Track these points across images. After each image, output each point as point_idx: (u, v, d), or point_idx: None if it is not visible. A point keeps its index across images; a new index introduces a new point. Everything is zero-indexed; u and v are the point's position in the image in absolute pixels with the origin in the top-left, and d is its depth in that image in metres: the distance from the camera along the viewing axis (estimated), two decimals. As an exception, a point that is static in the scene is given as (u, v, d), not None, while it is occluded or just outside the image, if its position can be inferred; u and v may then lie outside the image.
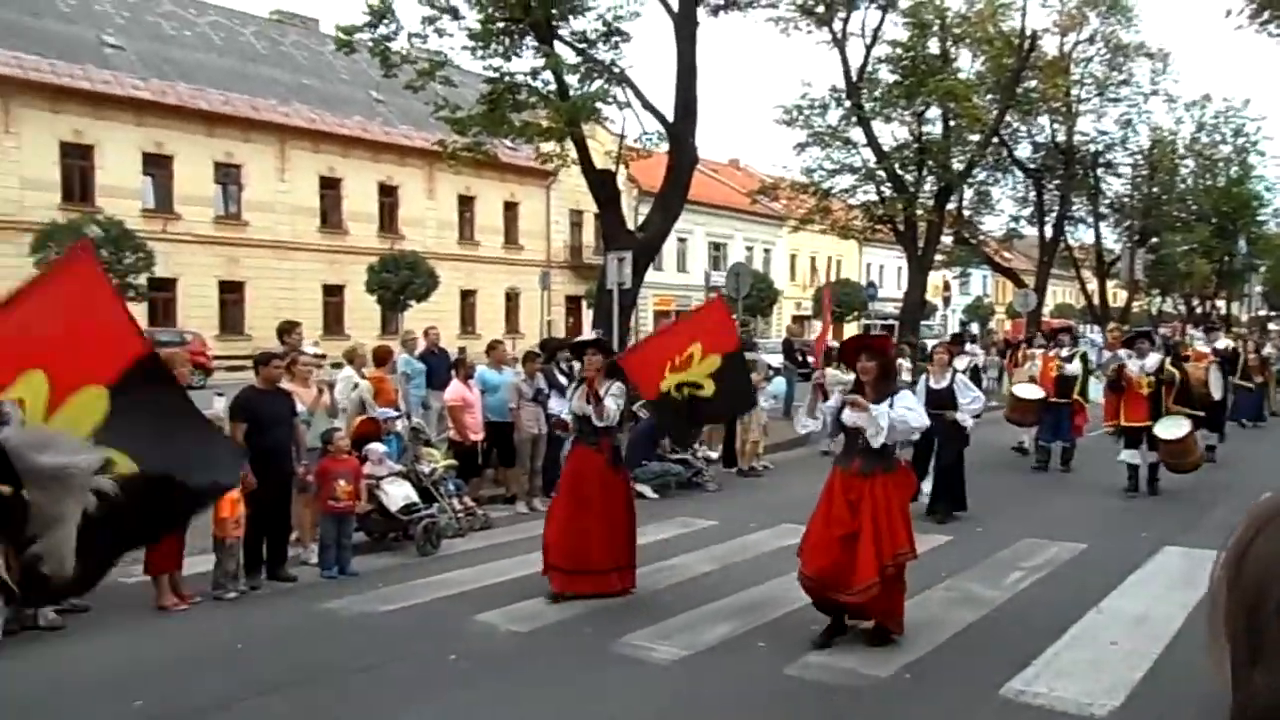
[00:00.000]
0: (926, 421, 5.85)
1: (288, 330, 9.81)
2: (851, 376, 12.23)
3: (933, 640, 5.89)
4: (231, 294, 32.51)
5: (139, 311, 27.57)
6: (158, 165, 30.77)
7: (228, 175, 32.57)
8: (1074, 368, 12.91)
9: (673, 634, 6.10)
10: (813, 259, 53.52)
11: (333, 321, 33.74)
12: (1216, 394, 12.75)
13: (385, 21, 16.23)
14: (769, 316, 43.10)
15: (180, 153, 31.06)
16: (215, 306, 32.01)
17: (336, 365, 10.95)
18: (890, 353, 6.34)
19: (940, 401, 9.37)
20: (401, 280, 29.18)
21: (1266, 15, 18.55)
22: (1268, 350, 19.51)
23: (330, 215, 35.28)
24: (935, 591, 6.98)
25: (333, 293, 34.60)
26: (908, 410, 5.81)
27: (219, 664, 5.62)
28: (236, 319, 32.29)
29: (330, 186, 35.22)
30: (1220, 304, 51.35)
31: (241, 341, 28.87)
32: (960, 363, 12.26)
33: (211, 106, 31.91)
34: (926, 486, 9.59)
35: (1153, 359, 10.99)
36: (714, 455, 12.72)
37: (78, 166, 29.07)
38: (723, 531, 9.19)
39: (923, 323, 28.79)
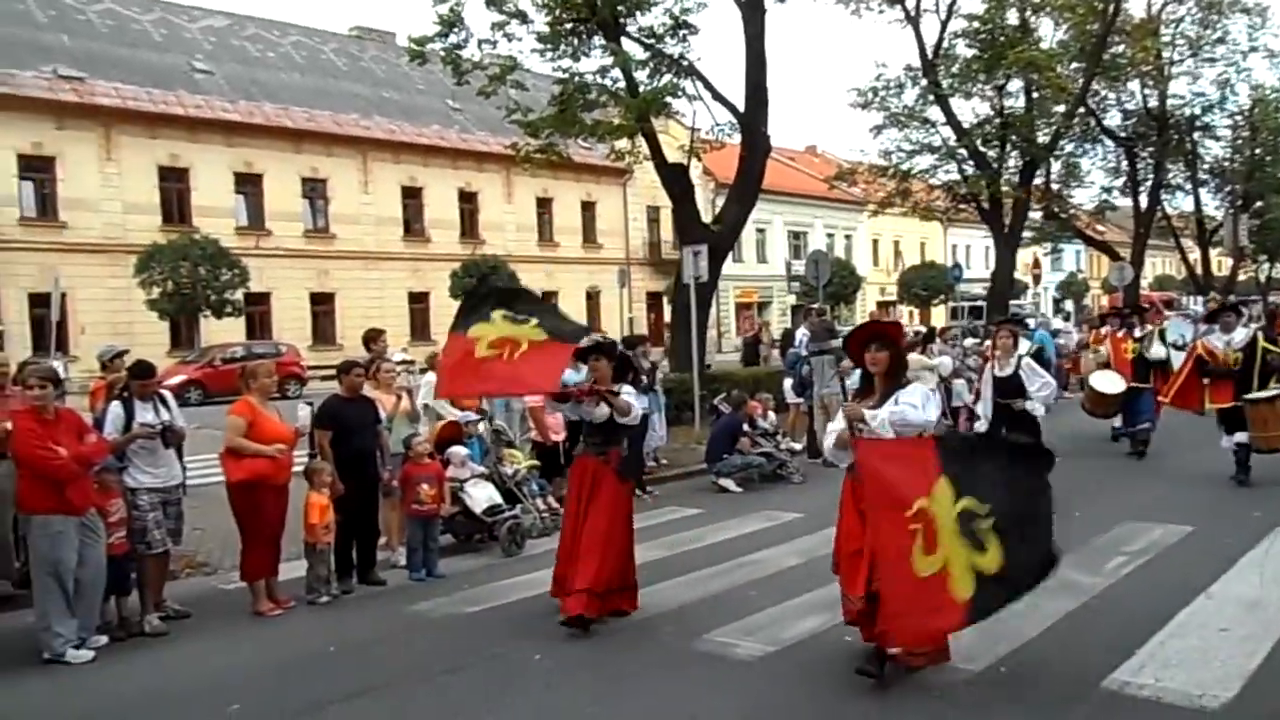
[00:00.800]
0: (931, 417, 5.10)
1: (373, 338, 10.00)
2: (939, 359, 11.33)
3: (1030, 631, 5.67)
4: (322, 305, 33.47)
5: (237, 326, 28.63)
6: (248, 184, 31.88)
7: (314, 190, 33.54)
8: (1158, 351, 12.05)
9: (756, 630, 6.01)
10: (895, 243, 52.52)
11: (419, 328, 34.45)
12: None
13: (455, 30, 16.50)
14: (852, 304, 42.43)
15: (269, 170, 32.11)
16: (307, 318, 33.00)
17: (424, 370, 11.14)
18: (903, 342, 5.70)
19: (1007, 390, 8.86)
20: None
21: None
22: None
23: (413, 224, 36.04)
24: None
25: (418, 300, 35.33)
26: (910, 407, 5.11)
27: (312, 667, 5.75)
28: (327, 329, 33.24)
29: (412, 196, 35.97)
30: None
31: (333, 351, 29.69)
32: (1023, 347, 11.54)
33: (296, 124, 32.89)
34: None
35: (1240, 333, 10.13)
36: (798, 446, 12.56)
37: (174, 189, 30.32)
38: (808, 524, 9.02)
39: (1013, 302, 27.97)
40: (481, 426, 9.75)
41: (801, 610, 6.39)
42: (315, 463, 7.34)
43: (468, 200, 37.62)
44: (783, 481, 11.51)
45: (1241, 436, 9.85)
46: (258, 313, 31.12)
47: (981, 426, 8.96)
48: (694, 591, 6.98)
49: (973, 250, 52.82)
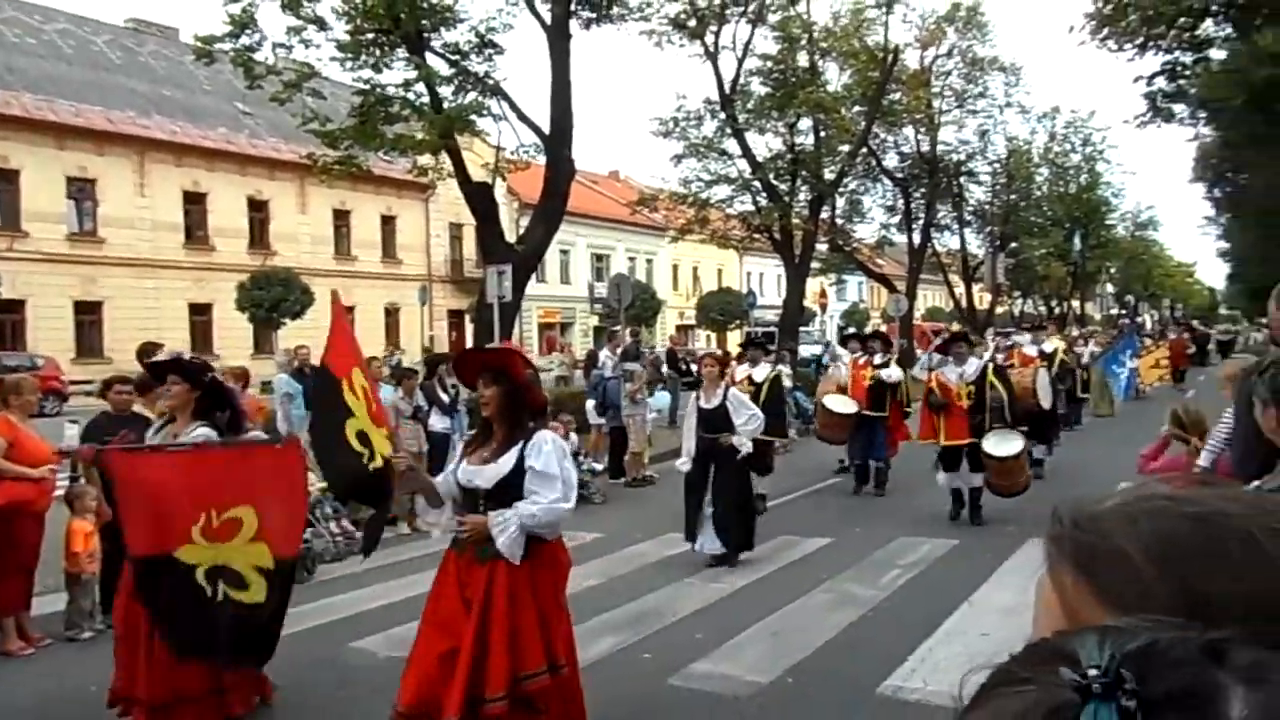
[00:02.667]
0: (568, 505, 4.04)
1: (148, 352, 9.32)
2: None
3: (813, 642, 5.99)
4: (88, 314, 30.81)
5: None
6: (2, 180, 28.97)
7: (81, 190, 30.90)
8: (893, 372, 11.52)
9: (557, 650, 6.02)
10: (694, 269, 54.24)
11: (201, 341, 32.33)
12: (1046, 402, 11.33)
13: (248, 31, 15.70)
14: (653, 326, 43.39)
15: (27, 166, 29.31)
16: (70, 328, 30.27)
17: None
18: (522, 373, 4.15)
19: (713, 423, 8.14)
20: (274, 297, 28.24)
21: (1105, 32, 19.73)
22: (1090, 349, 19.23)
23: (195, 231, 33.87)
24: (815, 595, 7.11)
25: (200, 311, 33.19)
26: (539, 500, 3.94)
27: (72, 711, 5.26)
28: (94, 340, 30.62)
29: (195, 201, 33.82)
30: (1075, 304, 54.35)
31: (101, 364, 27.36)
32: (760, 373, 10.57)
33: (61, 118, 30.22)
34: None
35: (972, 365, 9.71)
36: (599, 467, 12.70)
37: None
38: (608, 544, 9.15)
39: (801, 329, 29.46)
40: (270, 447, 9.26)
41: (601, 629, 6.45)
42: (79, 486, 6.75)
43: (257, 209, 35.76)
44: (583, 501, 11.55)
45: (973, 479, 9.49)
46: (10, 321, 28.28)
47: (684, 465, 8.37)
48: (493, 614, 6.91)
49: (765, 278, 55.32)
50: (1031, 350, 13.68)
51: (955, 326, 24.38)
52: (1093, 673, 0.52)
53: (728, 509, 8.07)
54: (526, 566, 3.98)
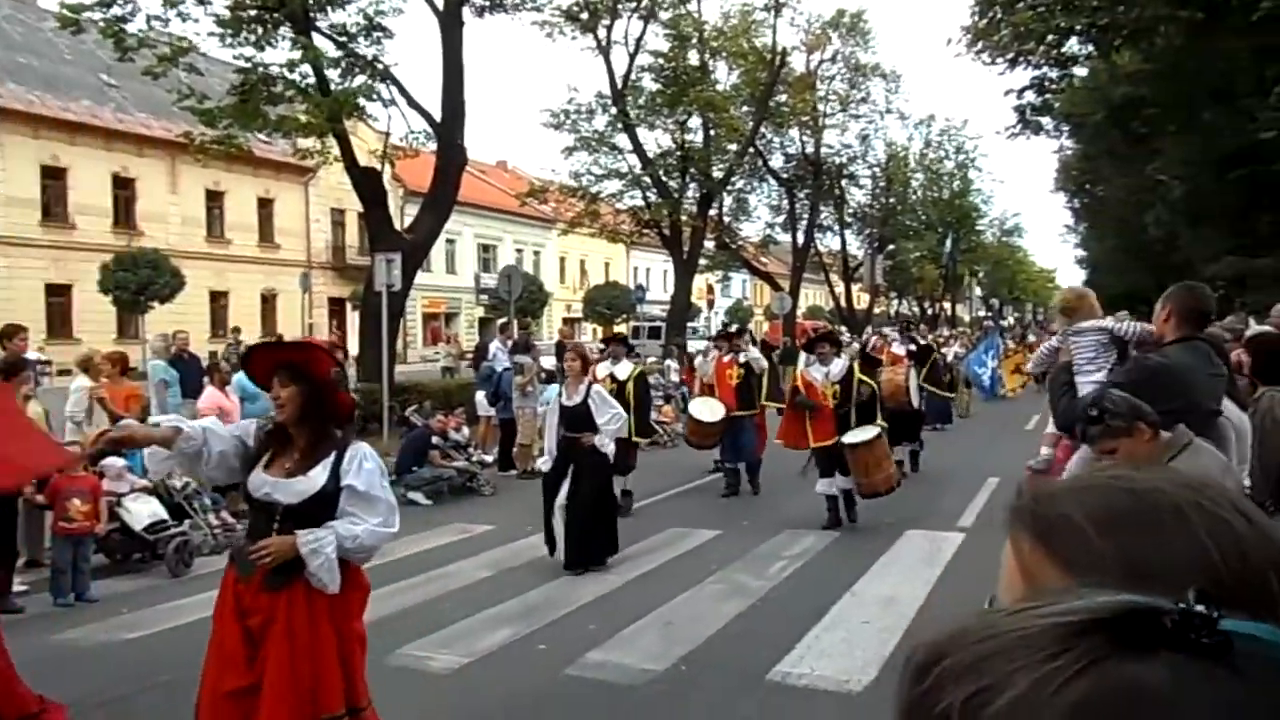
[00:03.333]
0: (392, 528, 3.56)
1: (9, 334, 8.81)
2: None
3: (705, 632, 6.12)
4: (-68, 295, 28.74)
5: None
6: None
7: (-75, 161, 28.77)
8: (753, 354, 11.48)
9: (451, 642, 6.00)
10: (582, 261, 54.24)
11: (58, 324, 30.58)
12: (916, 401, 11.68)
13: (119, 1, 14.93)
14: (540, 318, 43.22)
15: None
16: (-89, 309, 28.18)
17: (65, 373, 9.95)
18: (326, 372, 3.66)
19: (575, 421, 7.84)
20: (141, 280, 26.87)
21: (980, 45, 20.62)
22: (955, 349, 19.77)
23: (54, 208, 31.92)
24: (706, 585, 7.27)
25: (57, 293, 31.33)
26: (352, 530, 3.48)
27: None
28: (-60, 323, 28.57)
29: (54, 176, 31.87)
30: (947, 305, 56.74)
31: (-53, 348, 25.57)
32: (623, 370, 10.20)
33: (-97, 82, 28.08)
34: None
35: (838, 364, 9.38)
36: (489, 459, 12.62)
37: None
38: (499, 536, 9.12)
39: (688, 324, 29.85)
40: (144, 437, 8.88)
41: (495, 621, 6.45)
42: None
43: (123, 186, 33.94)
44: (473, 494, 11.50)
45: (844, 482, 9.10)
46: None
47: (544, 464, 8.15)
48: (386, 606, 6.76)
49: (652, 273, 55.76)
50: (900, 349, 13.78)
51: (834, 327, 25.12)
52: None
53: (586, 513, 7.63)
54: (325, 594, 3.50)
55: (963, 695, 0.54)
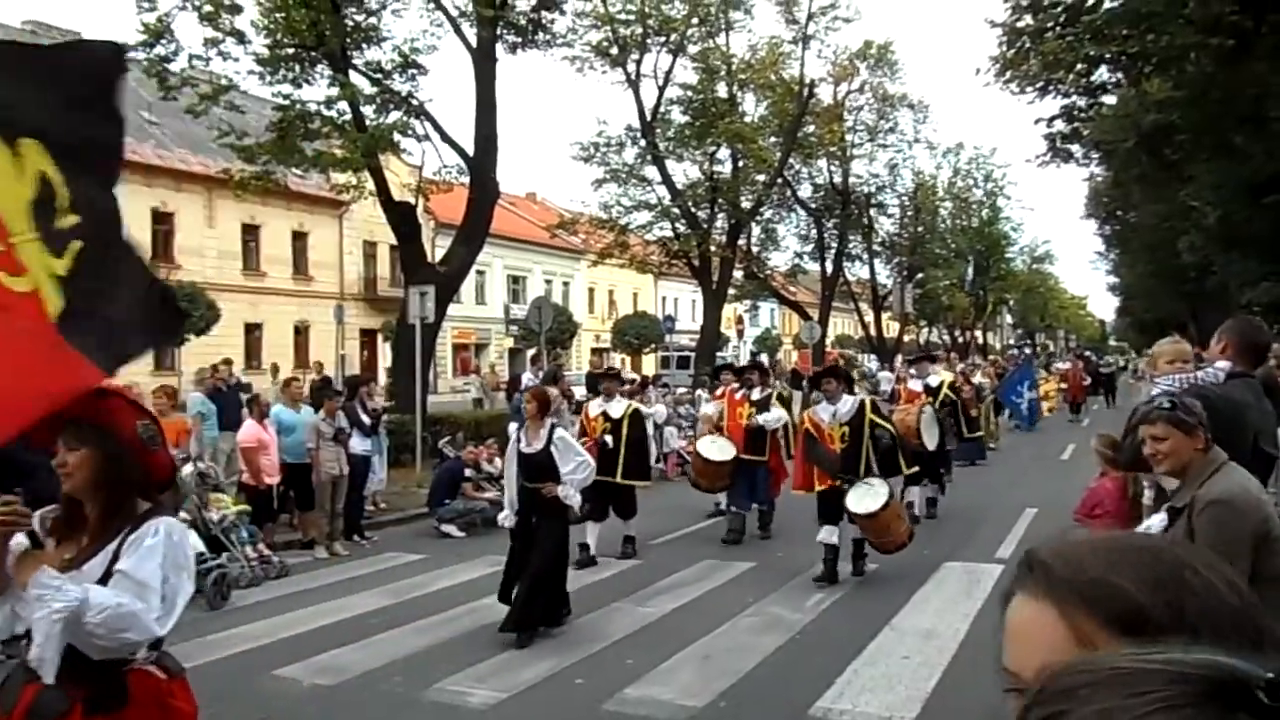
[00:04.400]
0: (147, 623, 2.47)
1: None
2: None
3: (744, 666, 6.08)
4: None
5: None
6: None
7: (-27, 198, 29.46)
8: (773, 416, 10.25)
9: (488, 677, 5.99)
10: (610, 292, 54.46)
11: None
12: (931, 444, 10.50)
13: (163, 41, 15.30)
14: (569, 349, 43.39)
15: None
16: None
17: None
18: (130, 428, 2.71)
19: (533, 470, 6.96)
20: (179, 313, 27.31)
21: (1008, 75, 20.63)
22: (978, 380, 18.42)
23: (96, 243, 32.59)
24: (742, 618, 7.22)
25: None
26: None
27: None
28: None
29: (95, 212, 32.57)
30: (979, 334, 56.34)
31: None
32: (616, 408, 9.66)
33: (-47, 122, 28.83)
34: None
35: (847, 403, 8.45)
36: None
37: None
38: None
39: (717, 354, 29.86)
40: (185, 468, 8.99)
41: (533, 654, 6.45)
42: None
43: (161, 221, 34.57)
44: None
45: (833, 533, 8.26)
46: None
47: (506, 520, 7.21)
48: (422, 639, 6.83)
49: (680, 303, 55.88)
50: (917, 385, 12.28)
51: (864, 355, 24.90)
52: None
53: (535, 576, 6.72)
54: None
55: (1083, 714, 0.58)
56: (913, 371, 13.33)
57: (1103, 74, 21.33)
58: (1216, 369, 4.05)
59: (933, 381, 12.26)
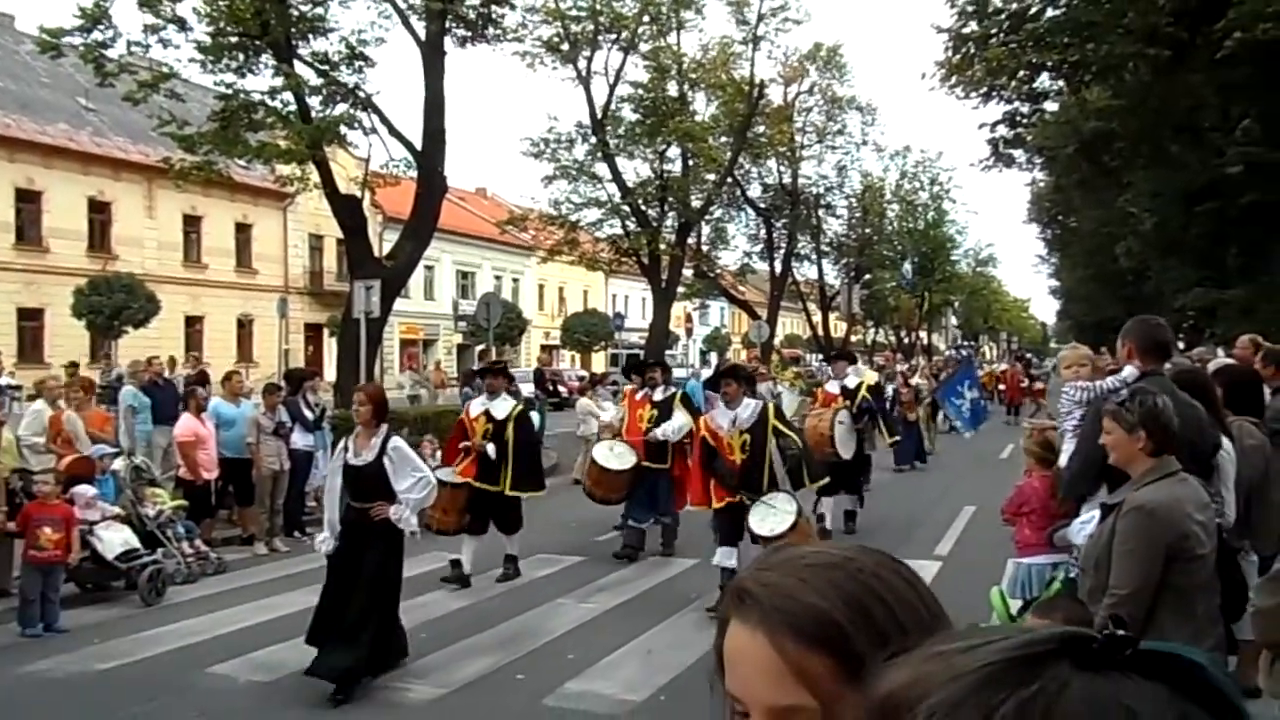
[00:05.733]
0: None
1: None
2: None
3: (686, 660, 6.11)
4: (-99, 318, 28.39)
5: None
6: None
7: (-103, 183, 28.49)
8: (673, 427, 9.00)
9: (428, 673, 5.96)
10: (560, 289, 54.32)
11: (29, 348, 30.25)
12: (845, 453, 9.66)
13: (101, 27, 14.91)
14: (518, 346, 43.19)
15: None
16: (-121, 333, 27.81)
17: (32, 397, 9.86)
18: None
19: (365, 486, 5.87)
20: (115, 304, 26.65)
21: (954, 80, 20.98)
22: (916, 381, 18.37)
23: (28, 231, 31.67)
24: (685, 614, 7.26)
25: (29, 316, 31.01)
26: None
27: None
28: (-92, 346, 28.20)
29: (28, 199, 31.63)
30: (923, 335, 57.21)
31: (-84, 372, 25.20)
32: (501, 408, 8.55)
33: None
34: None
35: (748, 409, 7.40)
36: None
37: None
38: (477, 565, 9.07)
39: (666, 352, 29.93)
40: (119, 463, 8.81)
41: (473, 650, 6.43)
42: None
43: (99, 210, 33.73)
44: (449, 522, 11.41)
45: (730, 556, 7.12)
46: None
47: (325, 545, 6.02)
48: (361, 637, 6.76)
49: (630, 300, 55.93)
50: (834, 387, 11.08)
51: (809, 352, 25.02)
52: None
53: (362, 611, 5.67)
54: None
55: None
56: (829, 371, 12.15)
57: (1045, 81, 21.81)
58: (1119, 378, 4.12)
59: (850, 383, 10.93)
